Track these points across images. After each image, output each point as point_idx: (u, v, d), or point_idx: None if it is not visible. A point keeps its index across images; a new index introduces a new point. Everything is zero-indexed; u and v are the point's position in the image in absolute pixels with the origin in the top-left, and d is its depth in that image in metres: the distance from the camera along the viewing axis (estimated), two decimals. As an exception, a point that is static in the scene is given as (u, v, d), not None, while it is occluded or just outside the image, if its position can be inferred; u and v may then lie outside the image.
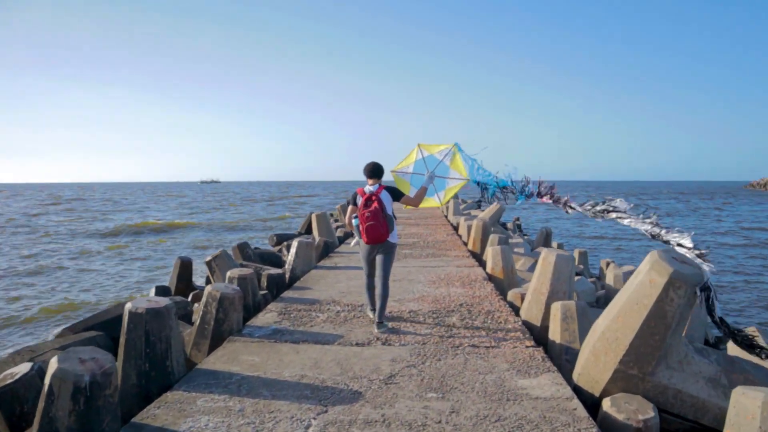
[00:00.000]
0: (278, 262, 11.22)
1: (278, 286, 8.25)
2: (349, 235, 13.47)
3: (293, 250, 9.12)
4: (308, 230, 22.09)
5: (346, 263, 9.79)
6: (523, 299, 6.71)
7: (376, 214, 5.29)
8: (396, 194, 5.63)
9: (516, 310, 6.54)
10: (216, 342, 5.25)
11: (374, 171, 5.56)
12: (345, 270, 9.10)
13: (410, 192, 5.99)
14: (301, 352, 4.78)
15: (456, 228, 16.69)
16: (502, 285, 8.27)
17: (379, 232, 5.32)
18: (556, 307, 5.49)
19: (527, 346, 4.96)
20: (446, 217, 21.02)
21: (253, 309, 6.68)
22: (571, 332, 5.34)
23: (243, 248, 10.59)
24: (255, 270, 9.13)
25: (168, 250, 24.88)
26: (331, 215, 19.96)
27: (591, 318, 5.93)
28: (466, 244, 12.56)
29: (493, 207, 16.65)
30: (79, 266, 19.87)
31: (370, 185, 5.55)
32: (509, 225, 26.02)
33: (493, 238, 10.25)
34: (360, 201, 5.47)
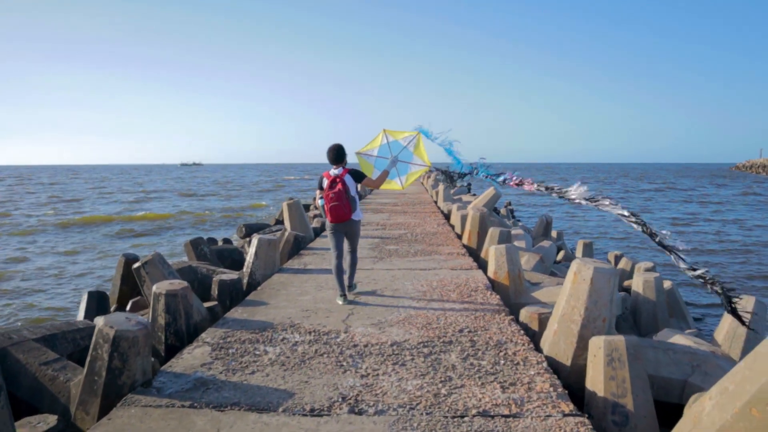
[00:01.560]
0: (241, 261, 9.55)
1: (232, 295, 6.58)
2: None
3: (252, 249, 7.44)
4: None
5: (318, 264, 8.13)
6: (541, 323, 5.12)
7: (339, 195, 5.70)
8: (359, 176, 6.00)
9: (533, 338, 4.95)
10: (111, 400, 3.59)
11: (337, 156, 5.87)
12: (315, 274, 7.44)
13: (373, 174, 6.40)
14: (224, 430, 3.13)
15: (447, 217, 15.09)
16: (507, 294, 6.69)
17: (342, 212, 5.77)
18: (597, 345, 3.91)
19: (565, 414, 3.35)
20: (436, 203, 19.40)
21: (186, 336, 5.03)
22: (619, 382, 3.77)
23: (196, 245, 8.89)
24: (203, 275, 7.44)
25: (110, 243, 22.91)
26: (309, 207, 18.19)
27: (649, 358, 4.34)
28: (459, 237, 10.95)
29: (488, 192, 15.04)
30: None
31: (335, 169, 5.88)
32: (502, 211, 24.49)
33: (493, 232, 8.63)
34: (326, 183, 5.85)
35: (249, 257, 7.42)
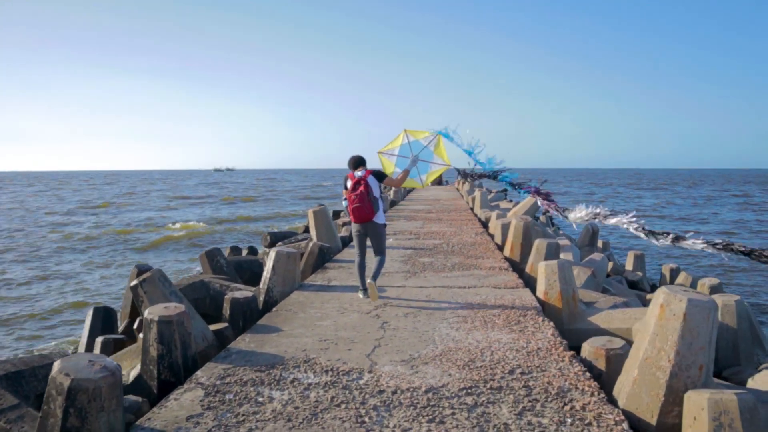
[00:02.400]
0: (261, 274, 8.81)
1: (246, 316, 5.81)
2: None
3: (269, 262, 6.67)
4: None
5: (344, 280, 7.30)
6: (609, 361, 4.15)
7: (361, 196, 5.88)
8: (380, 176, 6.17)
9: (599, 379, 3.99)
10: (69, 467, 2.82)
11: (356, 164, 6.19)
12: (339, 292, 6.61)
13: (393, 173, 6.64)
14: None
15: (485, 225, 14.12)
16: (560, 319, 5.73)
17: (364, 213, 5.95)
18: (699, 405, 2.98)
19: None
20: (472, 210, 18.40)
21: (183, 369, 4.26)
22: (732, 457, 2.82)
23: (212, 256, 8.17)
24: (215, 291, 6.70)
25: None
26: (340, 213, 17.43)
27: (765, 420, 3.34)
28: (500, 248, 9.99)
29: (528, 201, 14.00)
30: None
31: (359, 171, 6.12)
32: (540, 218, 23.26)
33: (539, 245, 7.65)
34: (350, 185, 6.07)
35: (266, 272, 6.66)
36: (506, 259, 8.93)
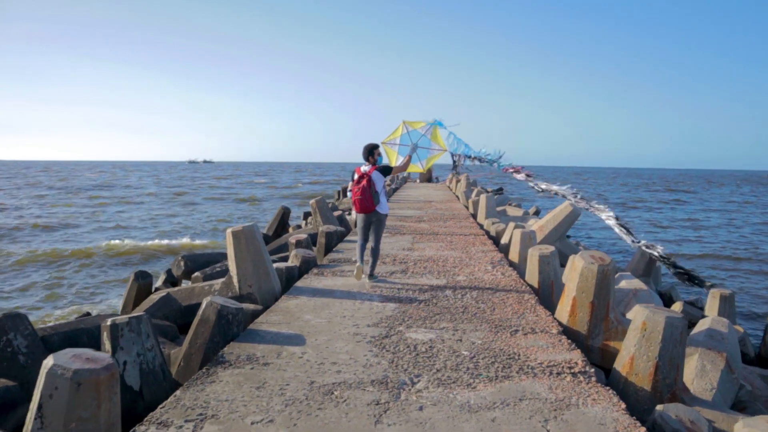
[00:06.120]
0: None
1: None
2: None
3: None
4: (278, 232, 15.53)
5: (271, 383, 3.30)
6: None
7: (363, 190, 6.44)
8: (386, 171, 6.72)
9: None
10: None
11: (369, 152, 6.66)
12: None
13: (396, 160, 7.43)
14: None
15: (496, 242, 10.21)
16: None
17: (365, 204, 6.51)
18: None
19: None
20: (474, 217, 14.40)
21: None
22: None
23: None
24: None
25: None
26: (331, 202, 13.33)
27: None
28: (534, 291, 6.09)
29: (563, 209, 10.04)
30: None
31: (365, 166, 6.62)
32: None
33: (644, 317, 3.73)
34: (355, 178, 6.60)
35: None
36: (558, 323, 4.99)
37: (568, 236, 12.45)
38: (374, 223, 6.70)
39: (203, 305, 4.63)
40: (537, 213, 21.20)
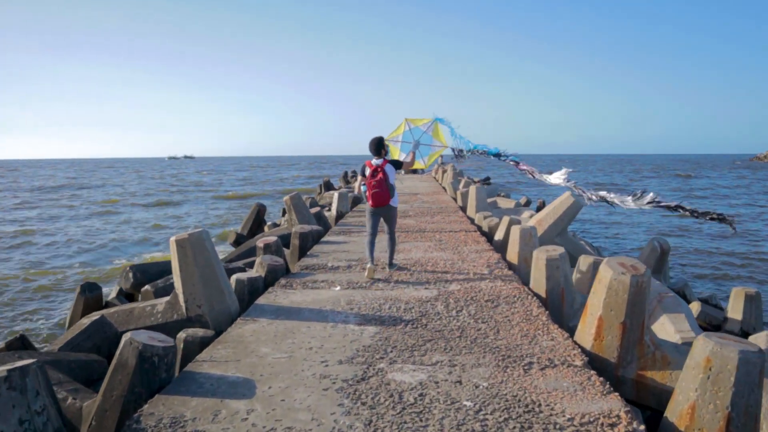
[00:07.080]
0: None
1: None
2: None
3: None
4: (254, 231, 14.32)
5: None
6: None
7: (381, 183, 6.37)
8: (397, 165, 6.76)
9: None
10: None
11: (377, 147, 6.48)
12: None
13: (398, 156, 7.84)
14: None
15: (489, 238, 9.20)
16: None
17: (382, 198, 6.43)
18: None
19: None
20: (464, 210, 13.37)
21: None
22: None
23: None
24: None
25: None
26: (311, 197, 12.13)
27: None
28: (543, 302, 5.06)
29: (564, 200, 9.03)
30: None
31: (376, 159, 6.48)
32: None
33: (701, 347, 2.70)
34: (368, 172, 6.50)
35: None
36: (581, 350, 3.96)
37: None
38: (387, 216, 6.70)
39: (121, 344, 3.52)
40: (528, 204, 20.24)
